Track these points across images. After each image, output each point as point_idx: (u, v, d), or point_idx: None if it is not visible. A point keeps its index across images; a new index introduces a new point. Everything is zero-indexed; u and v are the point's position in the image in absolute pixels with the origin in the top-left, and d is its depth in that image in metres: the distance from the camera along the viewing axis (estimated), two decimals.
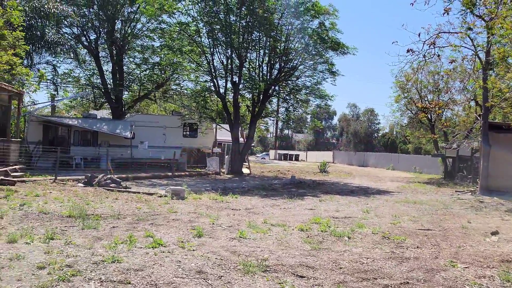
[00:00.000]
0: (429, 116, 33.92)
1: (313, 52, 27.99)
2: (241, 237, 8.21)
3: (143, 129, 28.26)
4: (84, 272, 5.47)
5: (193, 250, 7.00)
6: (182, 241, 7.52)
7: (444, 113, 35.07)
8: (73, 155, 25.44)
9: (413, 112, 36.70)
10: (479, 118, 22.27)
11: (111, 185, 15.32)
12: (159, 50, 29.29)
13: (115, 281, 5.21)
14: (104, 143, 27.25)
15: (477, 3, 10.93)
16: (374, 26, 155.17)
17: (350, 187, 22.41)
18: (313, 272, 6.15)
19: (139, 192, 14.42)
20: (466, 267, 6.82)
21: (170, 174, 22.72)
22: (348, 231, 9.35)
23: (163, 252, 6.74)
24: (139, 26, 30.07)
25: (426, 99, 34.99)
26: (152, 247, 6.94)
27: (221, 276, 5.66)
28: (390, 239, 8.80)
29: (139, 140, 28.10)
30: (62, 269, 5.50)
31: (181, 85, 31.96)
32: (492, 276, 6.37)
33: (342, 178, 29.50)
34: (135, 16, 29.30)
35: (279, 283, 5.51)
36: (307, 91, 29.61)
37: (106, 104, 34.86)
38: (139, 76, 31.62)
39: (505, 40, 13.81)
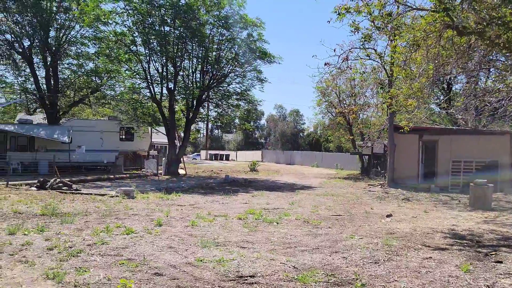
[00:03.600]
0: (347, 118, 37.45)
1: (242, 61, 30.46)
2: (193, 225, 10.33)
3: (80, 133, 29.16)
4: (85, 250, 7.36)
5: (159, 234, 9.03)
6: (148, 229, 9.51)
7: (360, 115, 38.68)
8: (10, 160, 25.91)
9: (333, 114, 40.14)
10: (386, 121, 25.68)
11: (63, 188, 16.70)
12: (94, 57, 30.22)
13: (111, 255, 7.17)
14: (41, 148, 27.91)
15: (373, 36, 13.75)
16: (298, 38, 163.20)
17: (278, 184, 25.01)
18: (252, 245, 8.44)
19: (91, 194, 15.95)
20: (360, 238, 9.43)
21: (112, 176, 24.07)
22: (277, 218, 11.78)
23: (136, 236, 8.73)
24: (73, 33, 30.79)
25: (344, 102, 38.48)
26: (127, 234, 8.90)
27: (187, 249, 7.80)
28: (309, 223, 11.31)
29: (76, 145, 28.95)
30: (67, 249, 7.37)
31: (117, 91, 32.95)
32: (377, 242, 9.00)
33: (271, 176, 32.13)
34: (70, 24, 30.03)
35: (229, 252, 7.73)
36: (238, 97, 31.91)
37: (39, 109, 35.15)
38: (73, 82, 32.26)
39: (401, 60, 17.00)
